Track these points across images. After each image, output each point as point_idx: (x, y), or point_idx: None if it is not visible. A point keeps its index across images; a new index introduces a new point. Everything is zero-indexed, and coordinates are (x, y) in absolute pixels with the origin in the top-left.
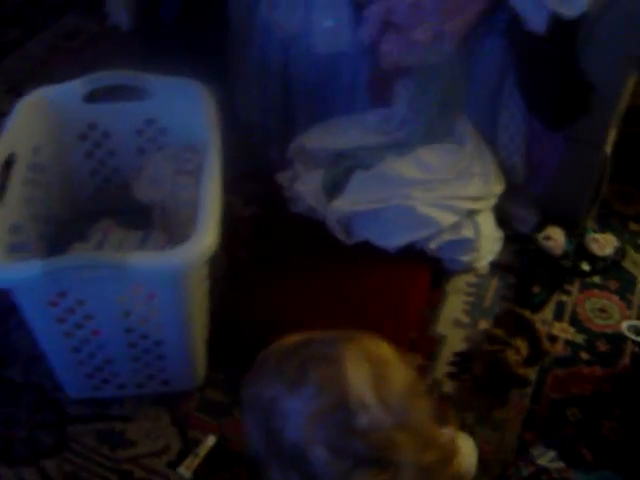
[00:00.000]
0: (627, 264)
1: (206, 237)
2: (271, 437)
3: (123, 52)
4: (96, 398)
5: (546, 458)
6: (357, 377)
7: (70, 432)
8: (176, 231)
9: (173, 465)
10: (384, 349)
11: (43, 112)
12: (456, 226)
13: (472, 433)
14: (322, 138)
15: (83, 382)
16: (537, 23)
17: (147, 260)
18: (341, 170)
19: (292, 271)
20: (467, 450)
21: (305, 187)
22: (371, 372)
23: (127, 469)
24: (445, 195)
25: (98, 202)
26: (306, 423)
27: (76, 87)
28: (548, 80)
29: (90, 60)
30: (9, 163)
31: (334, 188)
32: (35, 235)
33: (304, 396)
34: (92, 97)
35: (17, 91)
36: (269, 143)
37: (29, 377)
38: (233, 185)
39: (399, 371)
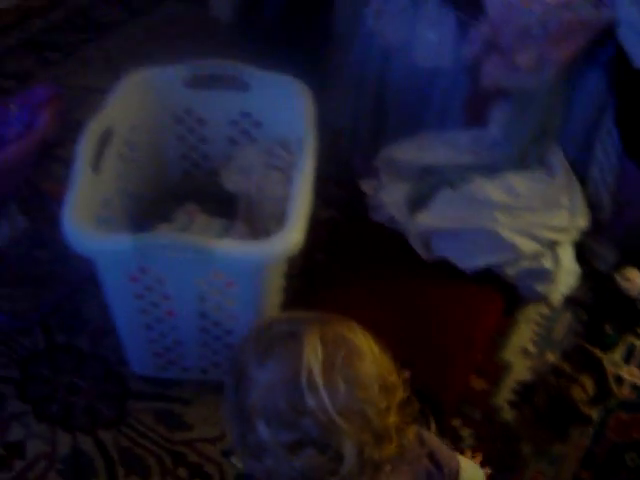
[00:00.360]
0: None
1: (294, 233)
2: (238, 399)
3: (221, 43)
4: (159, 378)
5: None
6: (312, 358)
7: (130, 408)
8: (258, 224)
9: (227, 454)
10: (356, 337)
11: (144, 92)
12: (537, 255)
13: (527, 464)
14: (411, 151)
15: (149, 360)
16: None
17: (234, 249)
18: (427, 185)
19: (366, 278)
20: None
21: (389, 197)
22: (329, 356)
23: (181, 451)
24: (530, 223)
25: (185, 186)
26: (262, 393)
27: (178, 71)
28: None
29: (188, 47)
30: (107, 137)
31: (418, 202)
32: (123, 211)
33: (266, 369)
34: (192, 83)
35: (114, 69)
36: (355, 150)
37: (96, 349)
38: (315, 187)
39: (363, 360)
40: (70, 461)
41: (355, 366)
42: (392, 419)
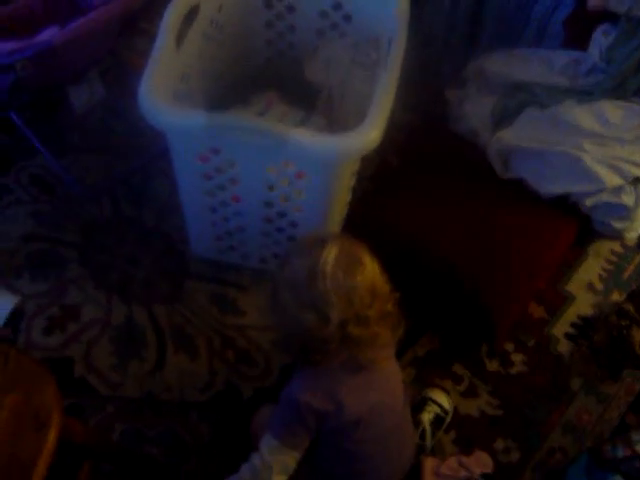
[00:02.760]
0: None
1: (372, 130)
2: (278, 272)
3: None
4: (218, 261)
5: None
6: (329, 258)
7: (186, 286)
8: (337, 119)
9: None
10: (365, 256)
11: None
12: (618, 189)
13: (574, 399)
14: (504, 64)
15: (211, 243)
16: None
17: (308, 139)
18: (515, 102)
19: (439, 188)
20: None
21: (474, 109)
22: (340, 259)
23: (231, 335)
24: (617, 155)
25: (267, 73)
26: (292, 271)
27: None
28: None
29: None
30: (193, 14)
31: (503, 118)
32: (200, 90)
33: (300, 257)
34: None
35: None
36: (446, 58)
37: (160, 225)
38: (398, 90)
39: (363, 270)
40: (123, 330)
41: (356, 270)
42: (372, 312)
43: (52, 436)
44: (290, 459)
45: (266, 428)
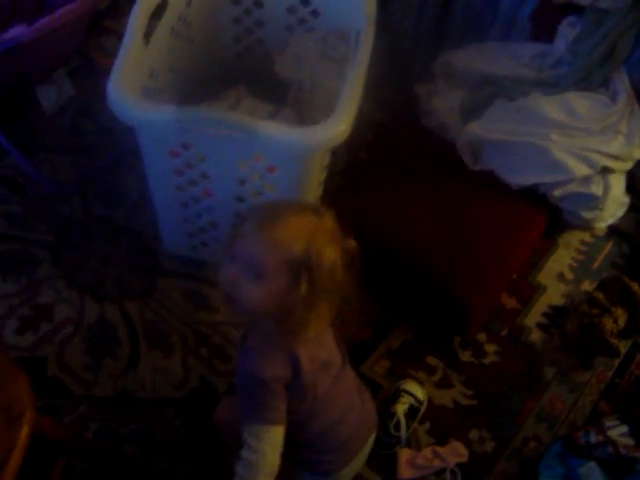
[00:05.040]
0: None
1: (341, 123)
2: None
3: None
4: (191, 258)
5: (617, 432)
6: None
7: (159, 284)
8: (307, 114)
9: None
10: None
11: None
12: (586, 180)
13: (547, 388)
14: (471, 59)
15: (183, 239)
16: None
17: (278, 131)
18: (483, 95)
19: (409, 182)
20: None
21: (442, 103)
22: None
23: (205, 332)
24: (584, 146)
25: (236, 68)
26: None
27: None
28: None
29: None
30: (160, 10)
31: (472, 111)
32: (169, 86)
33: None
34: None
35: None
36: (415, 53)
37: (132, 222)
38: (367, 87)
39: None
40: (96, 328)
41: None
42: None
43: (24, 431)
44: (278, 435)
45: (242, 421)
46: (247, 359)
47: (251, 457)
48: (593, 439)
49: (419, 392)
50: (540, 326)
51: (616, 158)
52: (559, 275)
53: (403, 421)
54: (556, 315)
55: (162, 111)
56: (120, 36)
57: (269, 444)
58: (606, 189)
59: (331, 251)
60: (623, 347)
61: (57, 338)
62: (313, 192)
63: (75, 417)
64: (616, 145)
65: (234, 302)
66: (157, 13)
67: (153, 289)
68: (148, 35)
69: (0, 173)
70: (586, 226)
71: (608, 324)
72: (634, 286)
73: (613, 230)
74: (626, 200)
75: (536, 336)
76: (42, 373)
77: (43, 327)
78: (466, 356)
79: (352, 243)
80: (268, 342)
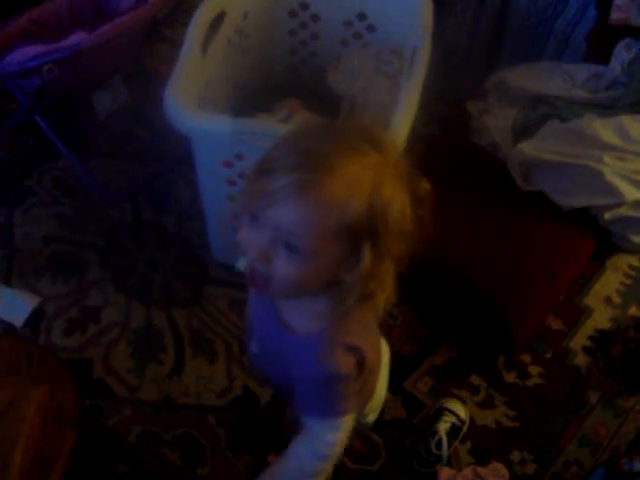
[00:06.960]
0: None
1: (395, 138)
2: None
3: None
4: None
5: None
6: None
7: (205, 292)
8: None
9: None
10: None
11: None
12: (637, 204)
13: (591, 412)
14: (525, 78)
15: (232, 248)
16: None
17: None
18: (536, 114)
19: (458, 199)
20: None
21: (495, 122)
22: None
23: None
24: (637, 169)
25: (289, 80)
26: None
27: None
28: None
29: None
30: (218, 21)
31: (524, 130)
32: (224, 96)
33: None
34: None
35: None
36: (467, 70)
37: (181, 230)
38: (419, 101)
39: None
40: (141, 333)
41: None
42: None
43: (73, 434)
44: (352, 417)
45: (310, 415)
46: (317, 351)
47: (330, 452)
48: (637, 467)
49: (462, 411)
50: (585, 349)
51: None
52: (606, 298)
53: (445, 440)
54: (602, 339)
55: (218, 122)
56: (175, 44)
57: (346, 430)
58: None
59: (401, 199)
60: None
61: (104, 341)
62: None
63: (119, 420)
64: None
65: (260, 280)
66: (215, 24)
67: (200, 297)
68: (205, 45)
69: (52, 175)
70: (635, 250)
71: None
72: None
73: None
74: None
75: (581, 359)
76: (88, 375)
77: (90, 329)
78: (510, 377)
79: (424, 184)
80: (335, 328)
